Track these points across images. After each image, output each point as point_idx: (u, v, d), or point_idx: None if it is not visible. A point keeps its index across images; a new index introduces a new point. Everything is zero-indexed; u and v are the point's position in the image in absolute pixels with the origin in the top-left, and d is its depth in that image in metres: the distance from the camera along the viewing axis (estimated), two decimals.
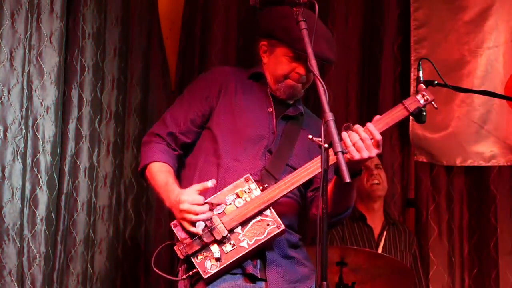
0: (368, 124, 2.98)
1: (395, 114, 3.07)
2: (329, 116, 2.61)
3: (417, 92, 3.13)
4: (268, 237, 2.98)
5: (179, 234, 3.03)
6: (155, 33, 5.20)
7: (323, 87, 2.68)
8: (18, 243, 3.86)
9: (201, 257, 2.98)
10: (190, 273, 2.99)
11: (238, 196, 3.02)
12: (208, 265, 2.96)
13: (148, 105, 5.06)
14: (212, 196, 3.04)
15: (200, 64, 5.34)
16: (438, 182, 5.23)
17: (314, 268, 3.21)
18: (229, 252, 2.97)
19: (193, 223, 2.96)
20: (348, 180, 2.50)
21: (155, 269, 3.06)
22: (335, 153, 2.54)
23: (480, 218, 5.17)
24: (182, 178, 3.25)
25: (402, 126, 5.27)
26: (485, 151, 5.08)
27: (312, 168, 3.01)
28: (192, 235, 2.99)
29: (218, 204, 3.01)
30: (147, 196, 4.95)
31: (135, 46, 4.96)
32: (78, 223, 4.33)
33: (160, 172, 3.15)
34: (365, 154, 2.92)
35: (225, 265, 2.96)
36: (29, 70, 3.99)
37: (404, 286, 4.52)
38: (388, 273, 4.34)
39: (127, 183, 4.82)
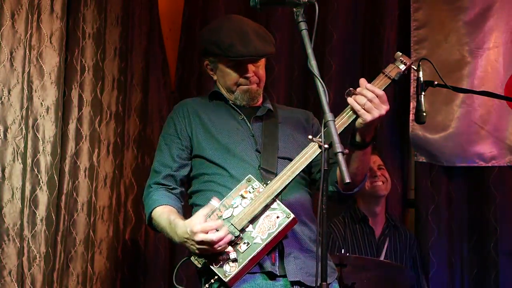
0: (367, 84, 2.97)
1: (379, 83, 3.03)
2: (329, 116, 2.61)
3: (394, 59, 3.09)
4: (280, 228, 2.97)
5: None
6: (155, 33, 5.20)
7: (323, 87, 2.68)
8: (18, 243, 3.86)
9: (219, 262, 2.97)
10: (212, 280, 2.99)
11: (243, 197, 3.02)
12: (227, 269, 2.95)
13: (148, 105, 5.07)
14: (220, 203, 3.03)
15: (200, 64, 5.34)
16: (438, 183, 5.23)
17: (334, 267, 3.25)
18: (245, 251, 2.96)
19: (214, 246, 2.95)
20: (348, 180, 2.50)
21: (177, 286, 3.04)
22: (335, 154, 2.54)
23: (480, 219, 5.16)
24: (196, 204, 3.26)
25: (402, 126, 5.27)
26: (485, 152, 5.08)
27: (308, 153, 2.99)
28: None
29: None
30: None
31: (135, 46, 4.97)
32: (78, 223, 4.34)
33: (162, 214, 3.14)
34: (376, 113, 2.92)
35: (243, 264, 2.94)
36: (30, 70, 3.99)
37: (404, 287, 4.52)
38: (388, 274, 4.34)
39: (127, 183, 4.83)
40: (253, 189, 3.03)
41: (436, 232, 5.16)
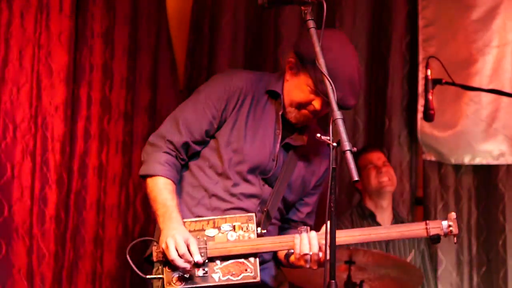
0: (313, 237, 2.92)
1: (414, 230, 3.00)
2: (338, 114, 2.60)
3: (446, 218, 3.00)
4: (240, 281, 2.93)
5: None
6: (164, 32, 5.20)
7: (331, 85, 2.67)
8: (27, 241, 3.88)
9: (172, 268, 2.93)
10: (156, 277, 2.98)
11: (234, 229, 2.98)
12: (174, 280, 2.93)
13: (157, 104, 5.07)
14: (211, 217, 3.00)
15: (209, 63, 5.34)
16: (446, 181, 5.22)
17: (281, 281, 3.23)
18: (198, 277, 2.92)
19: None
20: (356, 178, 2.49)
21: (127, 257, 3.00)
22: (343, 152, 2.54)
23: (488, 217, 5.16)
24: (182, 180, 3.17)
25: (410, 124, 5.27)
26: (493, 149, 5.08)
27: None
28: None
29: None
30: None
31: (144, 45, 4.97)
32: (87, 222, 4.35)
33: (165, 190, 3.04)
34: (305, 265, 2.91)
35: (188, 287, 2.92)
36: (38, 69, 4.01)
37: (412, 284, 4.51)
38: (396, 271, 4.34)
39: (136, 181, 4.83)
40: (247, 230, 2.97)
41: None
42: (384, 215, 4.95)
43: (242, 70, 3.33)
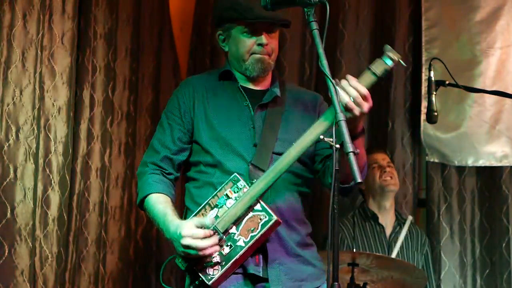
0: (352, 81, 2.86)
1: (365, 81, 2.94)
2: (341, 116, 2.60)
3: (382, 53, 2.93)
4: (263, 231, 2.94)
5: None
6: (167, 33, 5.20)
7: (334, 87, 2.67)
8: (30, 243, 3.87)
9: (202, 265, 2.96)
10: (196, 282, 2.99)
11: (228, 197, 3.00)
12: (210, 271, 2.95)
13: (160, 105, 5.06)
14: (205, 203, 3.03)
15: (211, 64, 5.35)
16: (450, 182, 5.22)
17: (324, 269, 3.17)
18: (228, 253, 2.95)
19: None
20: (360, 180, 2.49)
21: (163, 284, 3.07)
22: (347, 154, 2.53)
23: (491, 219, 5.16)
24: (189, 190, 3.25)
25: (413, 126, 5.26)
26: (497, 151, 5.08)
27: (297, 150, 2.94)
28: None
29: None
30: None
31: (147, 46, 4.97)
32: (90, 224, 4.35)
33: (158, 204, 3.12)
34: (357, 111, 2.84)
35: (226, 267, 2.94)
36: (41, 70, 4.00)
37: (415, 287, 4.51)
38: (399, 274, 4.34)
39: None
40: (238, 188, 2.99)
41: (448, 232, 5.15)
42: (387, 216, 4.95)
43: (190, 77, 3.47)
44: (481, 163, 5.12)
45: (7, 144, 3.85)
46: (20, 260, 3.85)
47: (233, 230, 2.97)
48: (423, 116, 5.10)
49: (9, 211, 3.83)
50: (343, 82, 2.86)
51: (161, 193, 3.16)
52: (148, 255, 4.91)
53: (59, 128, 4.09)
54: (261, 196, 2.98)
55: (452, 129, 5.13)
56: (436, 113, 3.68)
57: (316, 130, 2.91)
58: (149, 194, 3.17)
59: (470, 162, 5.14)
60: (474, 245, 5.16)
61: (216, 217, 2.97)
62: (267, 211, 2.95)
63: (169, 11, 5.22)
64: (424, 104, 5.07)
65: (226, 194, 3.00)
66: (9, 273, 3.83)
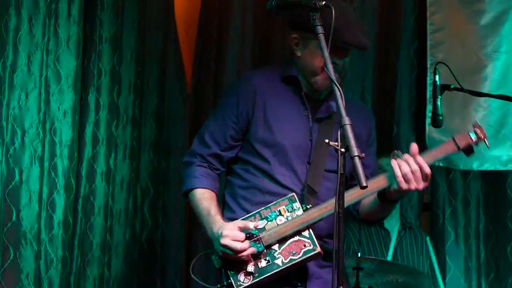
0: (419, 156, 2.97)
1: (444, 148, 3.05)
2: (346, 120, 2.60)
3: (470, 128, 3.07)
4: (303, 257, 2.99)
5: None
6: (172, 37, 5.20)
7: (339, 91, 2.67)
8: (35, 247, 3.88)
9: (236, 269, 2.99)
10: (225, 283, 3.00)
11: (280, 213, 3.03)
12: (241, 278, 2.98)
13: (165, 109, 5.07)
14: (256, 211, 3.06)
15: (216, 68, 5.34)
16: (455, 187, 5.21)
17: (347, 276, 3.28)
18: (263, 267, 2.98)
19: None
20: (364, 184, 2.49)
21: (192, 275, 3.09)
22: (352, 158, 2.53)
23: (497, 223, 5.14)
24: (233, 186, 3.26)
25: (418, 130, 5.25)
26: (502, 155, 5.06)
27: (354, 193, 3.02)
28: None
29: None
30: (163, 200, 4.96)
31: (152, 50, 4.98)
32: (95, 227, 4.36)
33: (203, 200, 3.16)
34: (413, 186, 2.94)
35: (257, 280, 2.97)
36: (47, 74, 4.01)
37: None
38: (404, 277, 4.33)
39: (144, 187, 4.83)
40: (293, 209, 3.03)
41: (453, 236, 5.14)
42: (392, 220, 4.94)
43: (252, 70, 3.41)
44: (486, 167, 5.10)
45: (13, 148, 3.86)
46: (26, 263, 3.87)
47: (275, 247, 3.01)
48: (428, 120, 5.09)
49: (14, 215, 3.84)
50: (406, 156, 2.96)
51: (207, 188, 3.19)
52: (153, 259, 4.91)
53: (65, 132, 4.10)
54: (313, 225, 3.02)
55: (457, 133, 5.10)
56: (441, 117, 3.67)
57: (377, 183, 3.02)
58: (196, 188, 3.20)
59: (475, 166, 5.12)
60: (479, 249, 5.15)
61: (263, 229, 3.01)
62: (313, 241, 2.99)
63: (174, 15, 5.23)
64: (429, 108, 5.06)
65: (279, 211, 3.04)
66: (15, 276, 3.84)
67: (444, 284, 5.06)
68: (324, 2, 2.80)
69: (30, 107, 3.92)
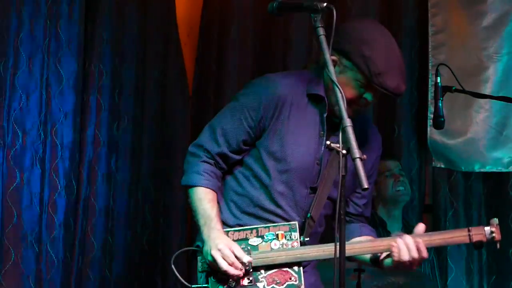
0: (420, 241, 2.97)
1: (457, 237, 3.04)
2: (347, 122, 2.59)
3: (488, 224, 3.06)
4: None
5: None
6: (173, 39, 5.20)
7: (340, 93, 2.66)
8: (36, 248, 3.89)
9: (218, 278, 2.96)
10: (202, 286, 2.99)
11: (277, 237, 3.00)
12: None
13: (166, 111, 5.06)
14: (254, 226, 3.03)
15: (218, 69, 5.34)
16: (456, 188, 5.20)
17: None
18: (244, 286, 2.95)
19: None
20: (366, 186, 2.48)
21: (173, 266, 3.03)
22: (353, 159, 2.52)
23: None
24: (227, 187, 3.19)
25: (420, 132, 5.25)
26: (503, 157, 5.06)
27: (356, 251, 3.05)
28: None
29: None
30: (164, 202, 4.95)
31: (153, 52, 4.98)
32: (96, 229, 4.35)
33: (205, 201, 3.07)
34: (408, 266, 2.97)
35: None
36: (48, 76, 4.02)
37: None
38: (405, 279, 4.33)
39: (145, 188, 4.83)
40: (290, 238, 2.99)
41: None
42: (395, 224, 4.93)
43: (278, 75, 3.26)
44: (488, 169, 5.10)
45: (14, 149, 3.87)
46: (27, 265, 3.87)
47: (262, 271, 2.97)
48: (429, 122, 5.09)
49: (15, 216, 3.84)
50: (408, 240, 2.97)
51: (210, 188, 3.09)
52: (154, 260, 4.90)
53: (66, 133, 4.10)
54: (305, 263, 3.01)
55: (459, 134, 5.11)
56: (442, 119, 3.67)
57: (381, 244, 3.06)
58: (200, 186, 3.09)
59: (476, 168, 5.12)
60: (480, 252, 5.14)
61: (256, 248, 2.98)
62: (300, 278, 2.96)
63: (175, 16, 5.22)
64: (430, 109, 5.06)
65: (277, 234, 3.00)
66: (16, 278, 3.84)
67: (446, 286, 5.06)
68: (325, 4, 2.79)
69: (31, 109, 3.93)
